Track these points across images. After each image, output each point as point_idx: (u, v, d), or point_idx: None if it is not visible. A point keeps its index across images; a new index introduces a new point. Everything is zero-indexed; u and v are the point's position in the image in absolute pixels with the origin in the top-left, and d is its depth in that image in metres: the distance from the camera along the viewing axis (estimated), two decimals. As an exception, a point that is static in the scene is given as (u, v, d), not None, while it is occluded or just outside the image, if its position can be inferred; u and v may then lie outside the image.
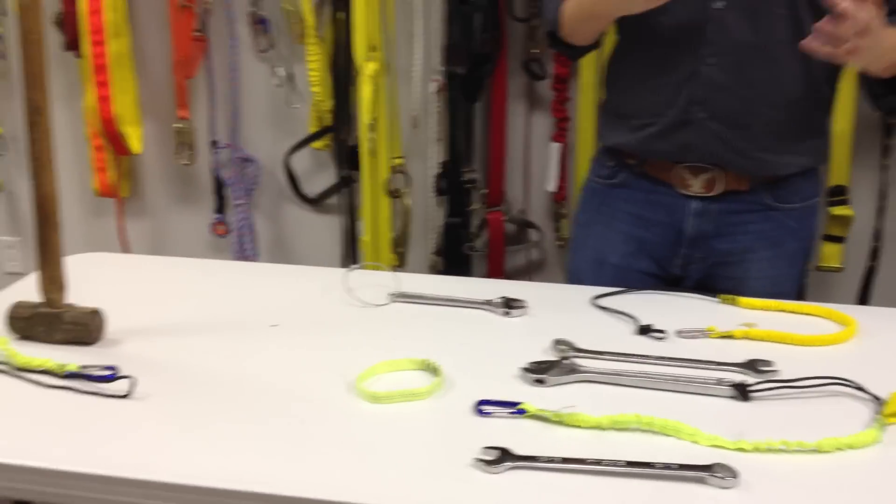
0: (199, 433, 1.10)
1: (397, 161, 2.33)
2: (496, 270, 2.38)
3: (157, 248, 2.65)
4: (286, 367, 1.28)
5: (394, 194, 2.33)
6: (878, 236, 2.12)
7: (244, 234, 2.52)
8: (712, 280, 1.60)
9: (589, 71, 2.18)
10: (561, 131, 2.28)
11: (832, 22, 1.25)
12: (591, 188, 1.69)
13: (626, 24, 1.53)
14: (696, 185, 1.55)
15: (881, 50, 1.32)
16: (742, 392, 1.17)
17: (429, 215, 2.40)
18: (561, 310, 1.47)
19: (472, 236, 2.37)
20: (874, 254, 2.14)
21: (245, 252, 2.52)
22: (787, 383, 1.17)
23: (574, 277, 1.69)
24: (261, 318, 1.45)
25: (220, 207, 2.55)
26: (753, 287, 1.56)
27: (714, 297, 1.51)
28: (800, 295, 1.63)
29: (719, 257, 1.59)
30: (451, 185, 2.33)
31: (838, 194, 2.09)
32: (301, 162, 2.49)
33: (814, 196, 1.62)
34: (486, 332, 1.39)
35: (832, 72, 1.52)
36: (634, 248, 1.62)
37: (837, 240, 2.13)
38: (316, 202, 2.50)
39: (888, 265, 2.15)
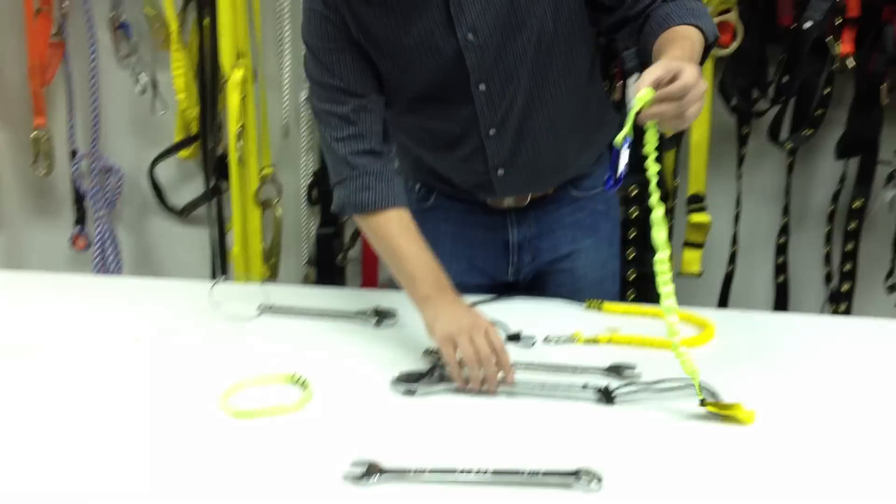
0: (52, 450, 1.05)
1: (267, 170, 2.29)
2: (371, 280, 2.37)
3: (13, 262, 2.53)
4: (148, 383, 1.24)
5: (264, 204, 2.29)
6: (735, 241, 2.22)
7: (106, 247, 2.43)
8: (545, 278, 1.64)
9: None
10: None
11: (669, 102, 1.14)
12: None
13: (396, 105, 1.46)
14: (508, 201, 1.58)
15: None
16: (606, 396, 1.20)
17: (301, 225, 2.37)
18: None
19: (345, 246, 2.35)
20: (732, 258, 2.23)
21: (107, 266, 2.43)
22: (649, 386, 1.21)
23: None
24: (122, 333, 1.40)
25: (81, 220, 2.45)
26: (584, 275, 1.62)
27: (581, 302, 1.54)
28: (623, 269, 1.67)
29: (547, 256, 1.63)
30: (324, 194, 2.30)
31: (696, 202, 2.17)
32: (167, 172, 2.41)
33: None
34: (356, 344, 1.38)
35: (591, 76, 1.54)
36: (465, 266, 1.63)
37: (696, 246, 2.22)
38: (183, 213, 2.43)
39: (745, 269, 2.25)
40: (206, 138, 2.29)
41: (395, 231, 1.38)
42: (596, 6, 1.41)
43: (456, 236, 1.62)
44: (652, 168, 1.14)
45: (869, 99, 2.03)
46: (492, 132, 1.46)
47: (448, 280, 1.36)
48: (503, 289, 1.62)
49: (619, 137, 1.12)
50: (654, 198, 1.14)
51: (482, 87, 1.41)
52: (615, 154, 1.13)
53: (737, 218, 2.20)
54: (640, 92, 1.11)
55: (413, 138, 1.55)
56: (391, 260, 1.39)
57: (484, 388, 1.22)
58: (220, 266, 2.36)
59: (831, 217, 2.18)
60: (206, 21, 2.21)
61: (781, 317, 1.85)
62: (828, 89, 2.04)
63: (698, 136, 2.12)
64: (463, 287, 1.56)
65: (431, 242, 1.41)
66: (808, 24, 1.93)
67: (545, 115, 1.47)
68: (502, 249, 1.62)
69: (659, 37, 1.30)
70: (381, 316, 1.45)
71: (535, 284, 1.65)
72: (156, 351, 1.34)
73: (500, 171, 1.51)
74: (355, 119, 1.39)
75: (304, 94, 2.25)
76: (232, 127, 2.17)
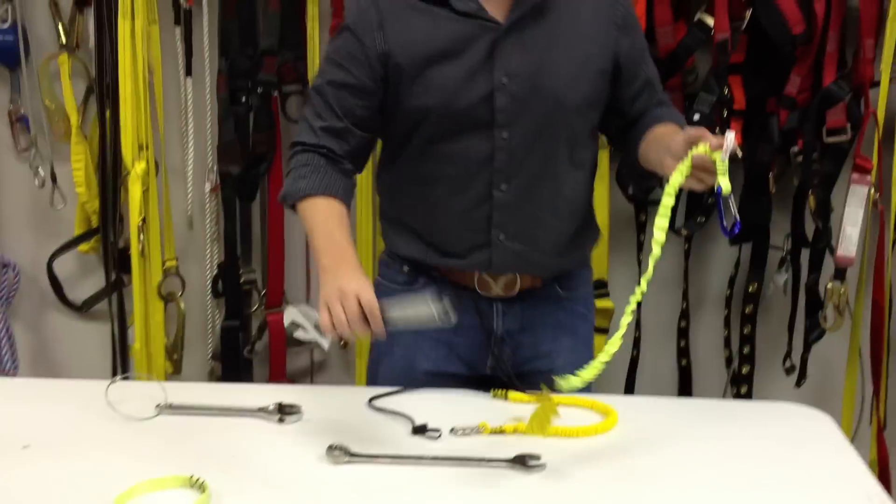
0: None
1: (170, 263, 2.26)
2: (277, 373, 2.33)
3: None
4: (37, 491, 1.18)
5: (167, 298, 2.25)
6: (638, 326, 2.27)
7: (2, 345, 2.34)
8: (522, 376, 1.62)
9: (364, 177, 2.17)
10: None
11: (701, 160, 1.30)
12: (389, 294, 1.68)
13: (409, 145, 1.54)
14: (497, 288, 1.60)
15: None
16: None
17: (206, 319, 2.33)
18: (338, 413, 1.45)
19: (252, 339, 2.31)
20: (636, 343, 2.28)
21: (3, 366, 2.33)
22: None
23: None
24: (12, 438, 1.34)
25: (-27, 317, 2.36)
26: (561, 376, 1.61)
27: (487, 391, 1.54)
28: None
29: (526, 352, 1.64)
30: (229, 286, 2.27)
31: (599, 287, 2.22)
32: (66, 266, 2.35)
33: (588, 277, 1.74)
34: (258, 442, 1.35)
35: (592, 170, 1.64)
36: (445, 352, 1.62)
37: (601, 331, 2.25)
38: (83, 309, 2.36)
39: (649, 353, 2.30)
40: (107, 231, 2.25)
41: (315, 211, 1.48)
42: (610, 108, 1.58)
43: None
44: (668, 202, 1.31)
45: (758, 187, 2.13)
46: (503, 186, 1.51)
47: (352, 254, 1.44)
48: (480, 382, 1.60)
49: (726, 186, 1.26)
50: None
51: (504, 133, 1.49)
52: (721, 202, 1.27)
53: (639, 303, 2.25)
54: (727, 142, 1.26)
55: (420, 185, 1.56)
56: (309, 237, 1.50)
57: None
58: (120, 363, 2.29)
59: (728, 301, 2.25)
60: (108, 113, 2.19)
61: (684, 402, 1.89)
62: (718, 178, 2.13)
63: (599, 222, 2.17)
64: (440, 375, 1.58)
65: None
66: (696, 117, 2.02)
67: (555, 186, 1.54)
68: (485, 339, 1.61)
69: (653, 128, 1.51)
70: (285, 412, 1.42)
71: (513, 382, 1.61)
72: (46, 457, 1.28)
73: (501, 236, 1.53)
74: (342, 130, 1.52)
75: (208, 186, 2.24)
76: (133, 219, 2.14)
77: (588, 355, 1.67)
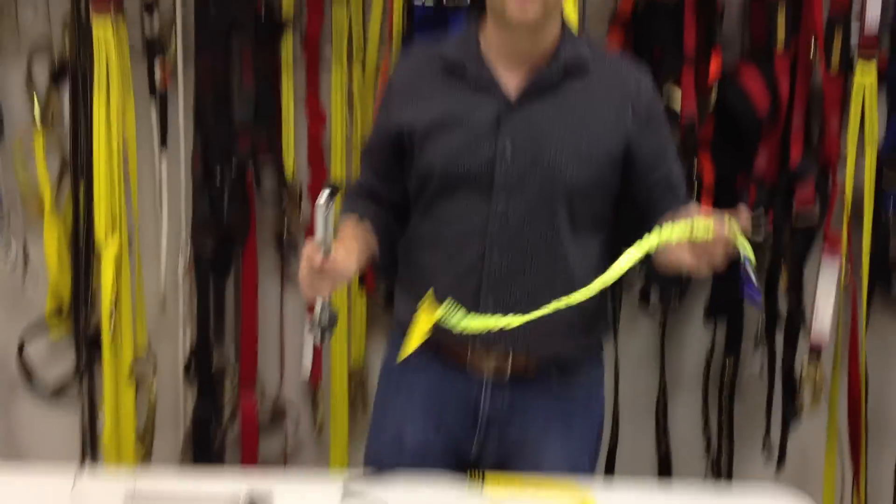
0: None
1: (142, 345, 2.22)
2: (250, 458, 2.27)
3: None
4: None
5: (138, 381, 2.20)
6: (616, 406, 2.25)
7: (-33, 430, 2.28)
8: (508, 464, 1.60)
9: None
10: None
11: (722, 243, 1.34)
12: (389, 368, 1.70)
13: (417, 207, 1.61)
14: (488, 368, 1.58)
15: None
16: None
17: (177, 401, 2.28)
18: (309, 500, 1.42)
19: (224, 423, 2.26)
20: (615, 423, 2.25)
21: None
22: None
23: (372, 462, 1.64)
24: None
25: (-62, 401, 2.30)
26: (549, 468, 1.57)
27: (464, 476, 1.51)
28: (594, 468, 1.68)
29: (513, 438, 1.61)
30: (202, 369, 2.24)
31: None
32: (35, 348, 2.30)
33: (596, 372, 1.70)
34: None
35: (611, 255, 1.58)
36: (433, 425, 1.61)
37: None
38: (51, 394, 2.31)
39: (628, 433, 2.27)
40: (79, 313, 2.22)
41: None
42: (625, 199, 1.59)
43: (430, 394, 1.61)
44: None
45: (730, 265, 2.13)
46: (495, 256, 1.53)
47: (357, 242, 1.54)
48: (467, 464, 1.58)
49: (750, 253, 1.31)
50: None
51: (501, 201, 1.52)
52: (743, 271, 1.31)
53: (616, 382, 2.24)
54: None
55: (422, 248, 1.61)
56: None
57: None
58: (90, 449, 2.24)
59: (706, 380, 2.24)
60: (82, 189, 2.17)
61: (664, 486, 1.86)
62: (691, 256, 2.15)
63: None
64: (427, 454, 1.57)
65: (408, 393, 1.56)
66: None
67: (552, 265, 1.54)
68: (471, 420, 1.60)
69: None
70: (254, 501, 1.39)
71: (499, 467, 1.58)
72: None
73: (491, 305, 1.51)
74: (374, 187, 1.67)
75: (182, 262, 2.22)
76: (106, 300, 2.11)
77: (582, 454, 1.65)
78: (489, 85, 1.53)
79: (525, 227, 1.53)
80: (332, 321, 1.48)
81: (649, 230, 1.40)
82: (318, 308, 1.48)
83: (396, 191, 1.64)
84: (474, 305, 1.53)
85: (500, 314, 1.50)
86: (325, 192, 1.38)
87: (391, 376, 1.69)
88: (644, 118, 1.56)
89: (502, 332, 1.52)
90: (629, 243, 1.37)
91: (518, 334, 1.53)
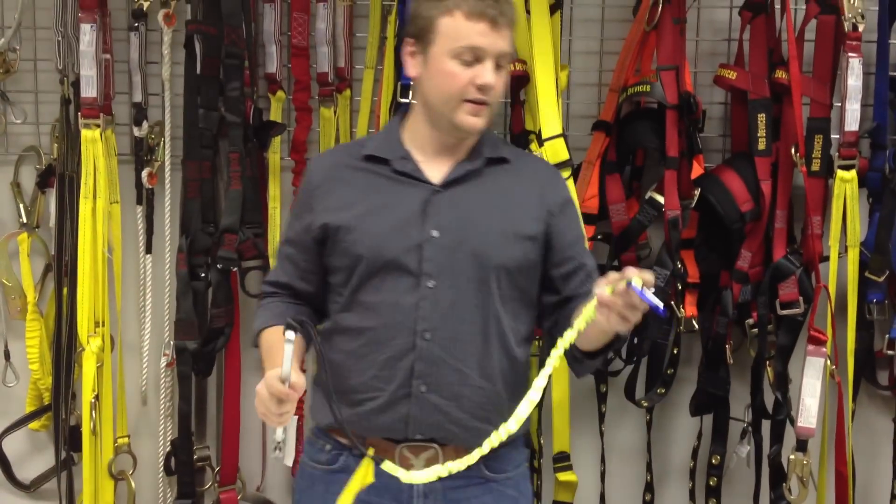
0: None
1: (122, 440, 2.20)
2: (231, 553, 2.25)
3: None
4: None
5: (118, 476, 2.18)
6: (602, 500, 2.22)
7: (-55, 527, 2.25)
8: None
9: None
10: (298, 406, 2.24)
11: (622, 294, 1.36)
12: (311, 475, 1.66)
13: (341, 299, 1.60)
14: (417, 465, 1.57)
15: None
16: None
17: (157, 497, 2.25)
18: None
19: (204, 518, 2.24)
20: (603, 518, 2.22)
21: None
22: None
23: None
24: None
25: (-82, 498, 2.28)
26: None
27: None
28: None
29: None
30: (182, 463, 2.21)
31: (562, 461, 2.17)
32: (16, 444, 2.29)
33: (523, 462, 1.71)
34: None
35: (528, 338, 1.65)
36: None
37: (563, 508, 2.20)
38: (31, 488, 2.29)
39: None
40: (59, 408, 2.21)
41: (263, 341, 1.63)
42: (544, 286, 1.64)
43: (360, 502, 1.57)
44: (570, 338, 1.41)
45: (715, 358, 2.13)
46: (427, 335, 1.54)
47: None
48: None
49: (637, 281, 1.33)
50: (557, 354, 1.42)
51: (431, 283, 1.54)
52: (642, 294, 1.33)
53: (603, 476, 2.22)
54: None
55: (347, 338, 1.59)
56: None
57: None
58: (68, 547, 2.21)
59: (693, 473, 2.21)
60: (66, 290, 2.18)
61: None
62: (676, 349, 2.14)
63: (559, 395, 2.15)
64: None
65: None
66: (651, 290, 2.03)
67: (483, 345, 1.56)
68: None
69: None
70: None
71: None
72: None
73: (423, 388, 1.53)
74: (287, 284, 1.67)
75: (164, 361, 2.21)
76: (86, 396, 2.10)
77: None
78: (414, 175, 1.58)
79: (456, 308, 1.55)
80: (297, 437, 1.48)
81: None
82: (279, 432, 1.49)
83: (314, 286, 1.65)
84: (406, 386, 1.54)
85: (430, 394, 1.54)
86: (291, 333, 1.40)
87: (316, 484, 1.64)
88: (560, 205, 1.64)
89: (430, 414, 1.56)
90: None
91: (445, 417, 1.56)
